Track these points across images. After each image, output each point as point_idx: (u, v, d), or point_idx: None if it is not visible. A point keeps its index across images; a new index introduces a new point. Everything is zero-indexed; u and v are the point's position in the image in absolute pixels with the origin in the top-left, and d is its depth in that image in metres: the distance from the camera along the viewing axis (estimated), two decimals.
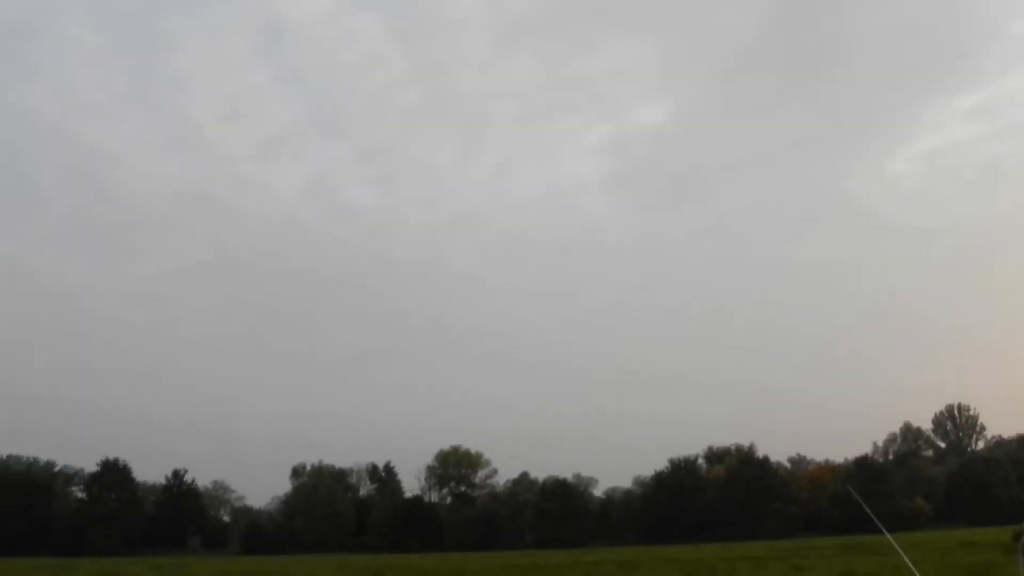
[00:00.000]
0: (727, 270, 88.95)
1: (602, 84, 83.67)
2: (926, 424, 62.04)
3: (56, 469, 52.28)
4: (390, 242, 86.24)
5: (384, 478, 57.01)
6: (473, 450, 57.98)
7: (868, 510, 6.70)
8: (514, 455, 65.06)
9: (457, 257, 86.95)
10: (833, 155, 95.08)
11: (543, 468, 57.05)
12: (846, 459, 54.65)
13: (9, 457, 52.27)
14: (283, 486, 55.85)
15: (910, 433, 60.82)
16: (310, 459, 57.69)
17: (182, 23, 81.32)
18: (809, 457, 61.65)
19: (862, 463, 51.79)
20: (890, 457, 58.20)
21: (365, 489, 57.58)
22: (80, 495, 50.58)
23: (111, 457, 49.53)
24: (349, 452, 72.40)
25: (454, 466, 58.07)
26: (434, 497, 57.59)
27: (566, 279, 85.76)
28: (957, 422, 62.38)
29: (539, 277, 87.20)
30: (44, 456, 53.22)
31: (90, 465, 50.54)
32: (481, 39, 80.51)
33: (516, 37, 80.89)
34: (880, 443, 60.15)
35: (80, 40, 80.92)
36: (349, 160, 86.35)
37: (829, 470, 53.13)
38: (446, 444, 58.40)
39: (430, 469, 57.39)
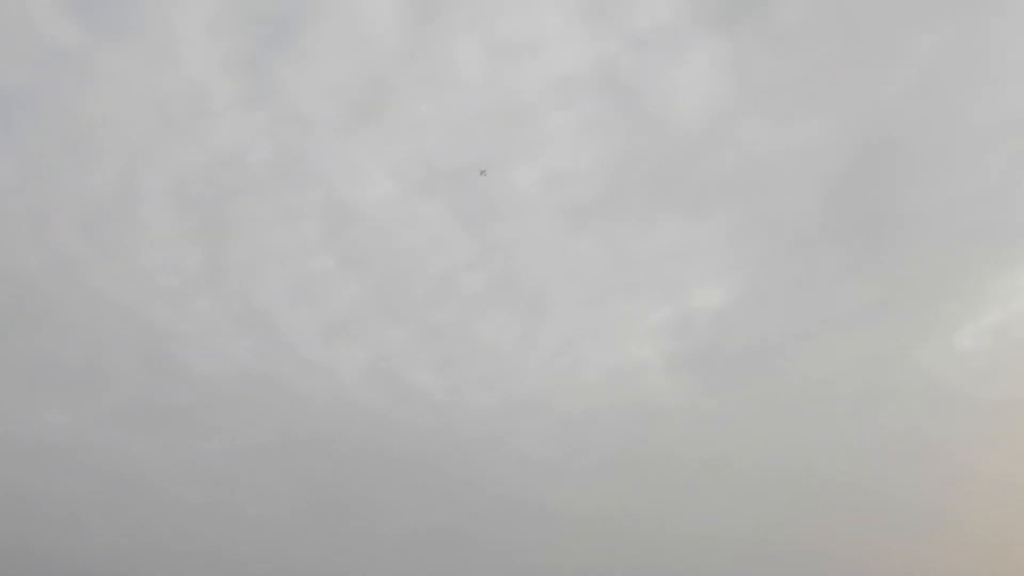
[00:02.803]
0: (796, 447, 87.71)
1: (665, 264, 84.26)
2: None
3: None
4: (452, 423, 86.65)
5: None
6: None
7: None
8: None
9: (519, 438, 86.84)
10: (901, 326, 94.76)
11: None
12: None
13: None
14: None
15: None
16: None
17: (251, 208, 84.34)
18: None
19: None
20: None
21: None
22: None
23: None
24: None
25: None
26: None
27: (631, 460, 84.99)
28: None
29: (603, 458, 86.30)
30: None
31: None
32: (544, 222, 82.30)
33: (578, 220, 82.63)
34: None
35: (153, 225, 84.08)
36: (411, 342, 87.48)
37: None
38: None
39: None
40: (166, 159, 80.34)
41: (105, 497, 78.97)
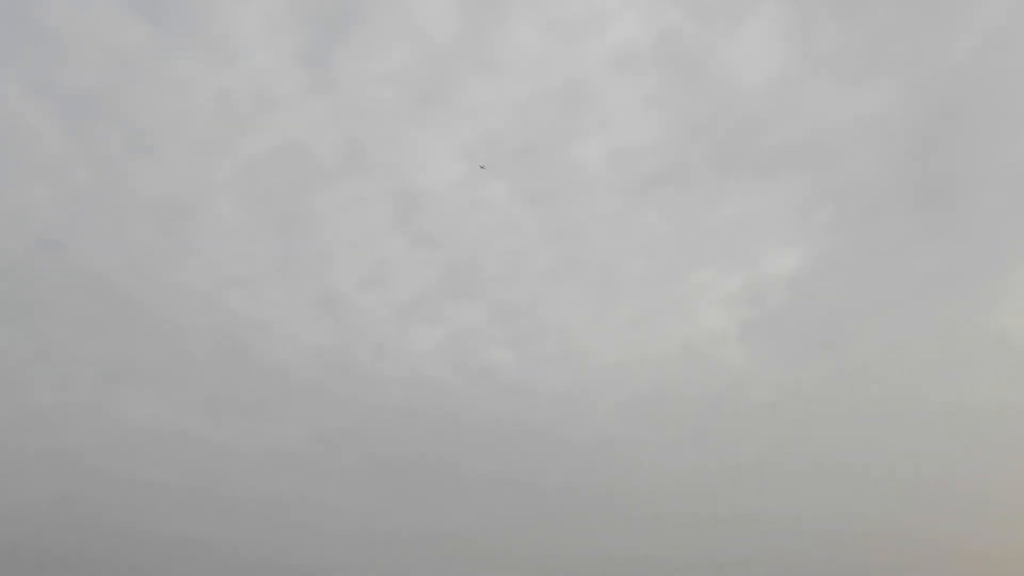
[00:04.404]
0: (870, 418, 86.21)
1: (735, 234, 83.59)
2: None
3: None
4: (525, 401, 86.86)
5: None
6: None
7: None
8: None
9: (593, 415, 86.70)
10: (977, 291, 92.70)
11: None
12: None
13: None
14: None
15: None
16: None
17: (320, 197, 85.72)
18: None
19: None
20: None
21: None
22: None
23: None
24: None
25: None
26: None
27: (708, 434, 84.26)
28: None
29: (678, 434, 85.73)
30: None
31: None
32: (610, 197, 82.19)
33: (645, 193, 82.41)
34: None
35: (226, 217, 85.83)
36: (484, 321, 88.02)
37: None
38: None
39: None
40: (235, 152, 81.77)
41: (190, 485, 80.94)
